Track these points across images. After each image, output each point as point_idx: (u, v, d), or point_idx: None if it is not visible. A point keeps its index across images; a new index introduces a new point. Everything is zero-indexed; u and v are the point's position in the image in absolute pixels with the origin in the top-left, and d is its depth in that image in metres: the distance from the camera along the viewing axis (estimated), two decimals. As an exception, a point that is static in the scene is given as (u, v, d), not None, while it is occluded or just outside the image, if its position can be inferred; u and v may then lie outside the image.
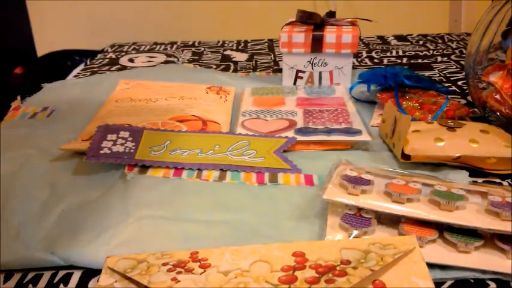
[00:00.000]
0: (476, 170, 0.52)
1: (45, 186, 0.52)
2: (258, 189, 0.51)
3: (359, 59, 0.99)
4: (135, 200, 0.48)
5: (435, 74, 0.88)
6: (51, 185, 0.52)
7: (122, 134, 0.58)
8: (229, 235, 0.43)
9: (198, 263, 0.36)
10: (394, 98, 0.67)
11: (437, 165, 0.53)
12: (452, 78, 0.85)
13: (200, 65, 0.98)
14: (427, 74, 0.87)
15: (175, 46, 1.16)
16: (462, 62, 0.94)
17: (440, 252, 0.39)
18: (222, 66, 0.97)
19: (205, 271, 0.35)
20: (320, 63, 0.79)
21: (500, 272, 0.38)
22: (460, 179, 0.50)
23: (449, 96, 0.70)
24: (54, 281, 0.39)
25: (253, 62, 1.00)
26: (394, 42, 1.13)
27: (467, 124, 0.55)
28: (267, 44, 1.15)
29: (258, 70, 0.94)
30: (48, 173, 0.54)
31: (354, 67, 0.90)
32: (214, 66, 0.97)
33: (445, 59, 0.97)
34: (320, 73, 0.79)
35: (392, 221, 0.43)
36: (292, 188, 0.51)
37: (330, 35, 0.75)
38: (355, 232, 0.41)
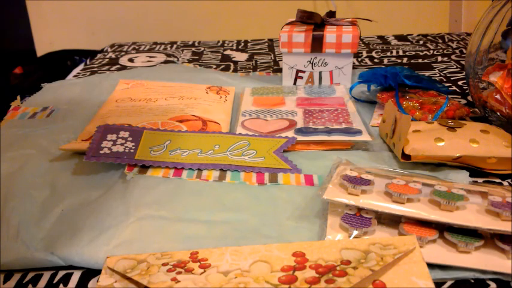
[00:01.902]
0: (476, 170, 0.52)
1: (45, 186, 0.52)
2: (258, 189, 0.51)
3: (359, 59, 0.99)
4: (135, 200, 0.48)
5: (435, 74, 0.88)
6: (51, 185, 0.52)
7: (122, 134, 0.58)
8: (229, 235, 0.43)
9: (198, 263, 0.36)
10: (394, 97, 0.67)
11: (437, 165, 0.53)
12: (452, 78, 0.85)
13: (200, 65, 0.98)
14: (427, 73, 0.87)
15: (175, 46, 1.16)
16: (462, 62, 0.94)
17: (440, 252, 0.39)
18: (222, 66, 0.97)
19: (205, 271, 0.35)
20: (320, 63, 0.79)
21: (501, 272, 0.38)
22: (460, 179, 0.50)
23: (449, 96, 0.70)
24: (54, 281, 0.39)
25: (253, 62, 1.00)
26: (394, 42, 1.13)
27: (467, 124, 0.55)
28: (267, 44, 1.15)
29: (258, 70, 0.94)
30: (48, 173, 0.54)
31: (354, 67, 0.90)
32: (214, 66, 0.97)
33: (445, 58, 0.97)
34: (320, 73, 0.79)
35: (393, 221, 0.43)
36: (292, 188, 0.51)
37: (330, 34, 0.75)
38: (355, 232, 0.41)
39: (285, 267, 0.35)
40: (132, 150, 0.55)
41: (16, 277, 0.40)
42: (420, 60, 0.97)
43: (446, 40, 1.12)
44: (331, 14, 0.85)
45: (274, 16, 1.28)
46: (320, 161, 0.56)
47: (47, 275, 0.40)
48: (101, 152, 0.54)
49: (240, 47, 1.13)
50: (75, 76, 0.95)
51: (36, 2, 1.41)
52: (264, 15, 1.41)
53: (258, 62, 0.99)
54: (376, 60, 0.98)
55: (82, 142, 0.59)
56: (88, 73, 0.95)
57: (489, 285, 0.37)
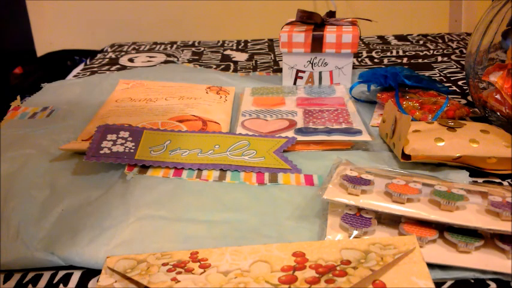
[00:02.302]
0: (476, 170, 0.52)
1: (45, 186, 0.52)
2: (258, 189, 0.51)
3: (359, 59, 0.99)
4: (135, 200, 0.48)
5: (435, 74, 0.88)
6: (51, 185, 0.52)
7: (122, 134, 0.58)
8: (229, 235, 0.43)
9: (198, 263, 0.36)
10: (394, 97, 0.67)
11: (437, 165, 0.53)
12: (452, 78, 0.85)
13: (200, 65, 0.98)
14: (427, 73, 0.87)
15: (175, 46, 1.16)
16: (462, 62, 0.94)
17: (440, 252, 0.39)
18: (222, 66, 0.97)
19: (205, 271, 0.35)
20: (320, 63, 0.79)
21: (501, 272, 0.38)
22: (460, 179, 0.50)
23: (449, 96, 0.70)
24: (54, 281, 0.39)
25: (253, 62, 1.00)
26: (394, 42, 1.13)
27: (467, 124, 0.55)
28: (267, 44, 1.15)
29: (258, 70, 0.94)
30: (48, 173, 0.54)
31: (354, 67, 0.90)
32: (214, 66, 0.97)
33: (445, 58, 0.97)
34: (320, 73, 0.79)
35: (393, 221, 0.43)
36: (292, 188, 0.51)
37: (330, 34, 0.75)
38: (355, 232, 0.41)
39: (285, 267, 0.35)
40: (132, 150, 0.55)
41: (16, 277, 0.40)
42: (420, 60, 0.97)
43: (446, 40, 1.12)
44: (331, 14, 0.85)
45: (274, 16, 1.27)
46: (320, 161, 0.56)
47: (47, 275, 0.40)
48: (101, 152, 0.54)
49: (240, 47, 1.13)
50: (75, 76, 0.95)
51: (36, 2, 1.41)
52: (264, 15, 1.40)
53: (258, 62, 0.99)
54: (376, 60, 0.98)
55: (82, 142, 0.59)
56: (88, 73, 0.95)
57: (489, 285, 0.37)
